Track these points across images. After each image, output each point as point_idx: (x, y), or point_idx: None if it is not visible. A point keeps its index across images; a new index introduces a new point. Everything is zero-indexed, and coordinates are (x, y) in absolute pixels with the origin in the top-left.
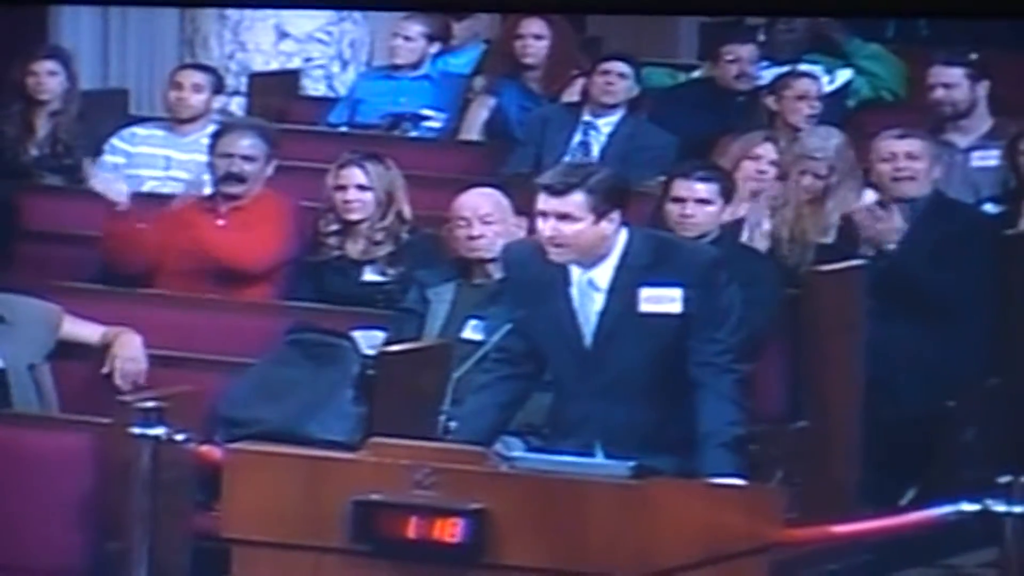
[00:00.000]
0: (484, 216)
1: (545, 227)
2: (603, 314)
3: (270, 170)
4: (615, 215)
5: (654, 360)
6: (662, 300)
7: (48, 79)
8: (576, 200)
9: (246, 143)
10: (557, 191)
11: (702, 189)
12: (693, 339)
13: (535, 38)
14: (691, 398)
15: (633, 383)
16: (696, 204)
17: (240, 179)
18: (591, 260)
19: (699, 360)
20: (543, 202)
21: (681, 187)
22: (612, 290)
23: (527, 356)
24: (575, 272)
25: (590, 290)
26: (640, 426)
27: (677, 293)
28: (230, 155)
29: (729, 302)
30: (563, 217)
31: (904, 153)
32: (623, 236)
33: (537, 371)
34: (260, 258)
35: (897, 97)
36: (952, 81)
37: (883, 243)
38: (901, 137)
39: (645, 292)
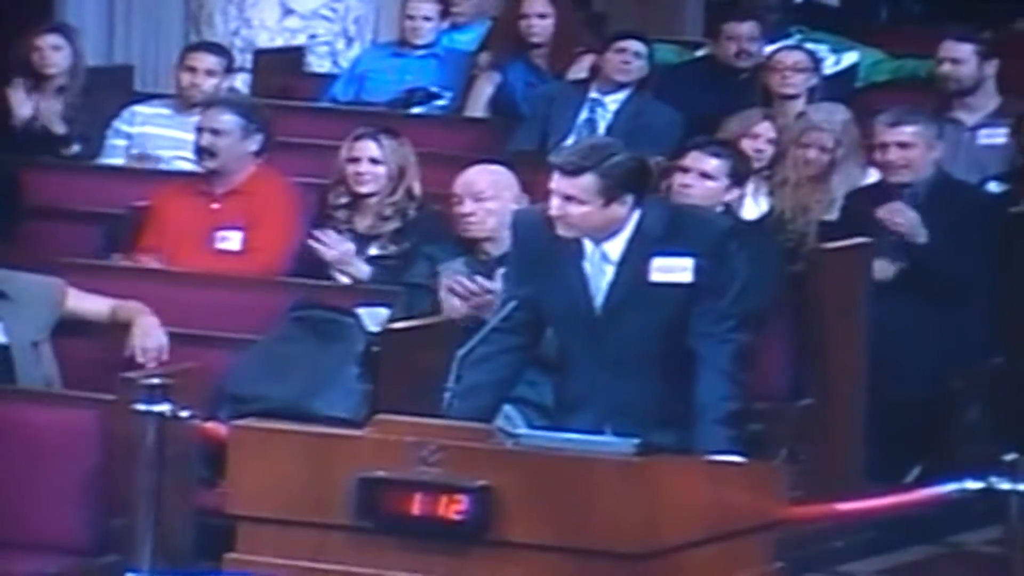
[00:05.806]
0: (477, 194)
1: (552, 205)
2: (613, 285)
3: (253, 146)
4: (628, 198)
5: (662, 331)
6: (673, 270)
7: (53, 53)
8: (585, 183)
9: (220, 117)
10: (568, 172)
11: (711, 164)
12: (695, 307)
13: (539, 17)
14: (691, 371)
15: (640, 355)
16: (698, 176)
17: (210, 152)
18: (603, 236)
19: (698, 330)
20: (554, 180)
21: (692, 158)
22: (623, 262)
23: (528, 326)
24: (588, 245)
25: (602, 263)
26: (645, 400)
27: (689, 263)
28: (201, 129)
29: (735, 272)
30: (569, 199)
31: (895, 143)
32: (637, 212)
33: (535, 342)
34: (272, 262)
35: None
36: (961, 57)
37: (910, 239)
38: (892, 125)
39: (657, 262)
